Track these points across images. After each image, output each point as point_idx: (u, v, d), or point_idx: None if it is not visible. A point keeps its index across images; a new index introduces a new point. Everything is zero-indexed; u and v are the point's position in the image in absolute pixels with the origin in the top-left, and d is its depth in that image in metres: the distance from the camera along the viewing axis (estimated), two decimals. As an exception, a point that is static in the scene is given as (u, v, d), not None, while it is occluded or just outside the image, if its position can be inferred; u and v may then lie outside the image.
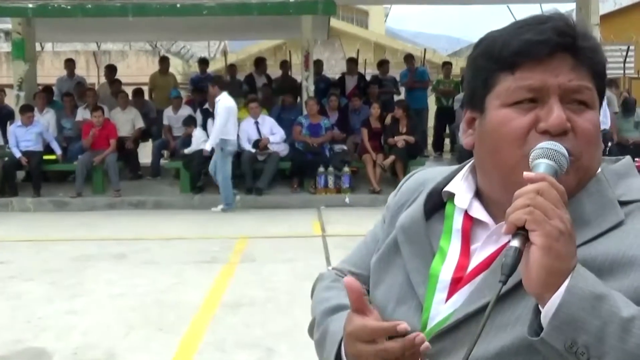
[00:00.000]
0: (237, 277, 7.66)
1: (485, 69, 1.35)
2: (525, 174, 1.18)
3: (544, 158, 1.22)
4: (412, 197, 1.54)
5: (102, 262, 8.40)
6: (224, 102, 11.93)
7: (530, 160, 1.24)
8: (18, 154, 13.10)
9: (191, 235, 10.00)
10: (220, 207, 12.22)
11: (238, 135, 13.05)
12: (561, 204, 1.14)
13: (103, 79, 18.19)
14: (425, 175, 1.59)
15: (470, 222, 1.40)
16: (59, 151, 13.50)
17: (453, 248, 1.40)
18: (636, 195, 1.30)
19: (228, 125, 12.01)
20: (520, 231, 1.13)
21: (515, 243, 1.14)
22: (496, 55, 1.32)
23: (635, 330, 1.08)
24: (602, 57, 1.34)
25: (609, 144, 14.54)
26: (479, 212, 1.39)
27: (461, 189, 1.43)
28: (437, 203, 1.48)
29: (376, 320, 1.33)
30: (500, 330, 1.25)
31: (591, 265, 1.19)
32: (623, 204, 1.29)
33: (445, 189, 1.46)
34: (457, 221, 1.42)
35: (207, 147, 12.24)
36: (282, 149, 13.50)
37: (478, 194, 1.42)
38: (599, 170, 1.35)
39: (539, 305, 1.14)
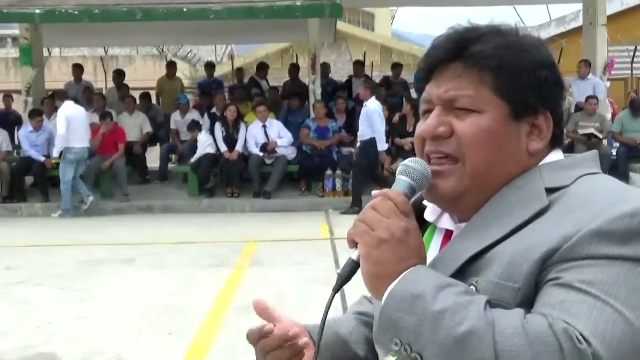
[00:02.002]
0: (246, 281, 7.65)
1: None
2: (373, 192, 1.32)
3: (401, 174, 1.33)
4: None
5: (111, 266, 8.41)
6: (63, 111, 12.25)
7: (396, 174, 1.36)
8: (41, 158, 13.18)
9: (200, 239, 10.01)
10: (58, 213, 12.40)
11: (246, 141, 13.08)
12: (394, 213, 1.24)
13: (110, 84, 18.24)
14: None
15: (450, 233, 1.42)
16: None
17: (430, 255, 1.39)
18: (564, 181, 1.29)
19: (71, 133, 12.23)
20: (356, 244, 1.26)
21: (354, 255, 1.28)
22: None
23: (445, 322, 1.12)
24: (504, 58, 1.33)
25: (610, 140, 14.49)
26: (446, 222, 1.43)
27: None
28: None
29: (283, 328, 1.52)
30: None
31: (500, 259, 1.22)
32: (550, 191, 1.28)
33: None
34: (438, 238, 1.44)
35: (55, 153, 12.45)
36: (290, 152, 13.51)
37: None
38: (539, 164, 1.35)
39: None
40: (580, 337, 1.07)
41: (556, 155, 1.38)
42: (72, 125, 12.22)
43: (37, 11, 13.20)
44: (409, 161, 1.34)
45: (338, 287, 1.28)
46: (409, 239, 1.23)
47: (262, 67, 17.18)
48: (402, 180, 1.33)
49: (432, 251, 1.40)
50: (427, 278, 1.19)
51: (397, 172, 1.35)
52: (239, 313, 6.35)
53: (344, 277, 1.27)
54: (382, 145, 12.17)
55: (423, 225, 1.45)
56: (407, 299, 1.16)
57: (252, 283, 7.50)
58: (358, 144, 12.39)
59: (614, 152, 14.24)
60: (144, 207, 12.94)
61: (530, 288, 1.18)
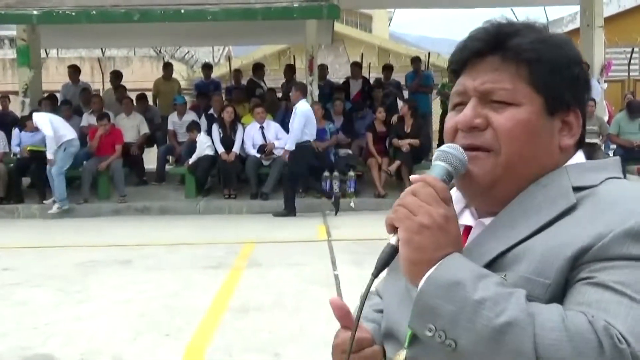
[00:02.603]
0: (243, 282, 7.66)
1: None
2: (411, 177, 1.32)
3: (438, 160, 1.34)
4: None
5: (108, 267, 8.40)
6: (41, 117, 12.59)
7: (432, 161, 1.36)
8: (17, 149, 13.45)
9: (197, 241, 10.01)
10: (55, 206, 12.59)
11: (244, 142, 13.10)
12: (435, 200, 1.24)
13: (108, 85, 18.21)
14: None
15: (469, 229, 1.44)
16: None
17: None
18: (591, 181, 1.31)
19: (60, 130, 12.67)
20: (396, 229, 1.26)
21: (392, 240, 1.27)
22: (447, 69, 1.48)
23: (485, 312, 1.13)
24: (541, 53, 1.35)
25: (607, 142, 14.50)
26: (467, 219, 1.45)
27: (454, 198, 1.45)
28: None
29: (363, 334, 1.45)
30: None
31: (531, 256, 1.23)
32: (577, 189, 1.30)
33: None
34: None
35: (50, 155, 12.59)
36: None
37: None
38: (566, 164, 1.37)
39: None
40: (620, 337, 1.08)
41: (580, 156, 1.41)
42: (55, 124, 12.53)
43: (35, 12, 13.19)
44: (445, 147, 1.36)
45: (377, 271, 1.28)
46: (449, 226, 1.24)
47: (259, 68, 17.18)
48: (439, 166, 1.33)
49: None
50: (466, 267, 1.20)
51: (433, 158, 1.36)
52: (237, 314, 6.36)
53: (383, 262, 1.28)
54: (291, 145, 12.08)
55: None
56: (445, 285, 1.17)
57: (249, 284, 7.50)
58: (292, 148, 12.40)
59: (611, 153, 14.25)
60: (141, 208, 12.93)
61: (560, 285, 1.19)
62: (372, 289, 1.74)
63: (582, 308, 1.13)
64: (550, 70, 1.35)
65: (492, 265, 1.26)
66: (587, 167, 1.37)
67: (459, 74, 1.42)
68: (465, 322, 1.14)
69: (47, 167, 12.59)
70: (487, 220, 1.39)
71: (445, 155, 1.33)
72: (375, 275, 1.27)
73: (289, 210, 12.10)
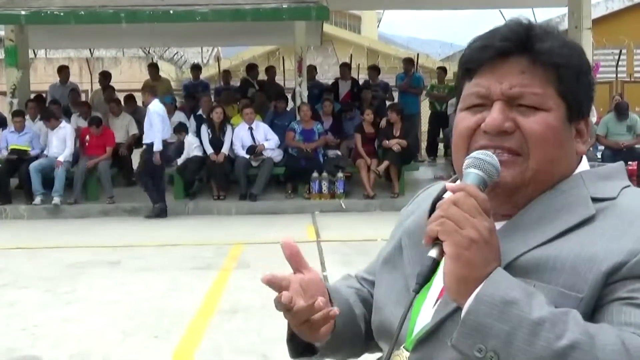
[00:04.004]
0: (232, 283, 7.65)
1: (458, 77, 1.44)
2: (447, 185, 1.26)
3: (472, 168, 1.27)
4: (420, 206, 1.59)
5: (97, 269, 8.38)
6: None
7: (463, 168, 1.29)
8: (4, 152, 13.35)
9: (185, 242, 9.99)
10: (58, 199, 12.71)
11: (233, 143, 13.13)
12: (478, 212, 1.18)
13: (96, 86, 18.16)
14: (438, 187, 1.63)
15: None
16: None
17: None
18: (610, 193, 1.31)
19: None
20: (437, 242, 1.19)
21: (433, 253, 1.19)
22: (459, 64, 1.41)
23: (544, 333, 1.10)
24: (567, 58, 1.34)
25: (595, 144, 14.55)
26: None
27: None
28: None
29: (314, 277, 1.43)
30: None
31: (553, 262, 1.22)
32: (596, 200, 1.30)
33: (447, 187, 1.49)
34: None
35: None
36: (276, 155, 13.51)
37: None
38: (579, 171, 1.37)
39: None
40: None
41: (586, 162, 1.41)
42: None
43: (23, 13, 13.14)
44: (478, 153, 1.30)
45: (420, 287, 1.21)
46: (492, 240, 1.19)
47: (252, 68, 17.16)
48: (473, 174, 1.27)
49: None
50: (515, 283, 1.16)
51: (465, 165, 1.30)
52: (225, 316, 6.35)
53: (426, 276, 1.20)
54: (158, 146, 12.18)
55: None
56: (498, 304, 1.13)
57: (238, 286, 7.49)
58: (144, 148, 12.58)
59: (599, 155, 14.31)
60: (130, 209, 12.90)
61: (593, 299, 1.18)
62: (353, 273, 1.75)
63: (632, 329, 1.12)
64: (575, 77, 1.35)
65: (507, 268, 1.23)
66: (600, 174, 1.37)
67: (472, 73, 1.37)
68: (521, 343, 1.10)
69: (32, 165, 12.70)
70: (497, 225, 1.34)
71: (479, 163, 1.28)
72: (417, 291, 1.21)
73: (161, 208, 12.34)
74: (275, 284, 1.40)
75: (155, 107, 12.23)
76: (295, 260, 1.44)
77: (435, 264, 1.19)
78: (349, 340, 1.54)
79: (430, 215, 1.47)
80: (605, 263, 1.18)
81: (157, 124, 12.07)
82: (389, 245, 1.59)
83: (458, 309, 1.25)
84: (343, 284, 1.67)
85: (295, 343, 1.50)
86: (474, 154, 1.30)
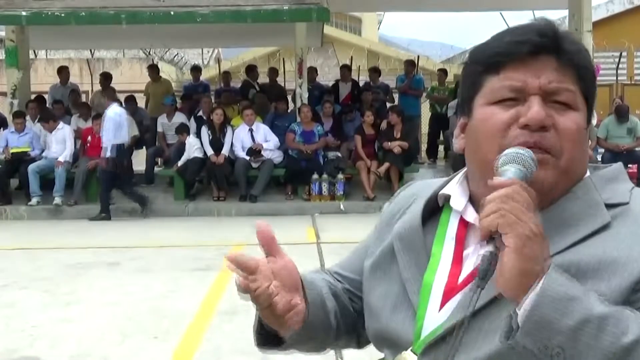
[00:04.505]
0: (232, 285, 7.58)
1: (473, 73, 1.39)
2: (496, 178, 1.21)
3: (513, 163, 1.24)
4: (405, 205, 1.56)
5: (96, 269, 8.38)
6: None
7: (497, 166, 1.25)
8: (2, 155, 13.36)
9: (185, 243, 9.99)
10: (60, 200, 12.83)
11: (233, 144, 13.14)
12: (532, 207, 1.16)
13: (97, 86, 18.16)
14: (421, 185, 1.61)
15: (465, 228, 1.41)
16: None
17: (445, 255, 1.40)
18: (622, 198, 1.31)
19: None
20: (495, 235, 1.15)
21: (490, 248, 1.16)
22: (481, 58, 1.36)
23: (610, 328, 1.10)
24: (587, 61, 1.35)
25: (599, 149, 14.57)
26: (472, 216, 1.40)
27: (456, 192, 1.44)
28: (433, 209, 1.48)
29: (288, 265, 1.42)
30: (489, 336, 1.26)
31: (576, 268, 1.21)
32: (610, 206, 1.30)
33: (442, 191, 1.47)
34: (452, 226, 1.42)
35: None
36: (276, 156, 13.51)
37: (472, 200, 1.42)
38: (587, 175, 1.36)
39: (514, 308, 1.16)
40: None
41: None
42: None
43: (24, 13, 13.15)
44: (516, 149, 1.26)
45: (484, 284, 1.17)
46: (544, 235, 1.17)
47: (252, 70, 17.17)
48: (515, 169, 1.23)
49: (449, 240, 1.41)
50: (570, 279, 1.15)
51: (501, 161, 1.25)
52: (225, 317, 6.34)
53: (487, 272, 1.16)
54: (106, 151, 12.35)
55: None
56: (562, 299, 1.12)
57: (238, 287, 7.47)
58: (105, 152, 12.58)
59: (599, 157, 14.31)
60: (130, 210, 12.90)
61: (617, 304, 1.18)
62: (332, 268, 1.72)
63: None
64: (592, 81, 1.35)
65: None
66: (606, 177, 1.37)
67: (500, 67, 1.33)
68: (587, 339, 1.10)
69: (30, 167, 12.71)
70: None
71: (520, 158, 1.24)
72: (482, 287, 1.17)
73: (104, 212, 12.36)
74: (240, 264, 1.37)
75: (110, 112, 12.31)
76: (269, 245, 1.42)
77: (495, 258, 1.16)
78: (319, 333, 1.51)
79: (422, 218, 1.47)
80: (628, 269, 1.19)
81: (109, 129, 12.17)
82: (375, 247, 1.56)
83: (473, 315, 1.24)
84: (316, 276, 1.64)
85: (264, 332, 1.48)
86: (512, 149, 1.26)
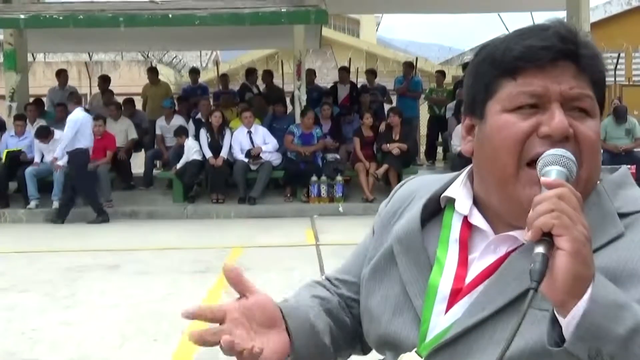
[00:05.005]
0: (231, 287, 7.63)
1: (487, 74, 1.34)
2: (543, 179, 1.16)
3: (555, 165, 1.19)
4: (403, 205, 1.54)
5: (96, 272, 8.37)
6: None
7: (539, 167, 1.22)
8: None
9: (185, 245, 9.99)
10: (58, 203, 12.65)
11: (232, 147, 13.14)
12: (581, 209, 1.11)
13: (95, 90, 18.16)
14: (418, 183, 1.59)
15: (469, 231, 1.39)
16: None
17: (450, 258, 1.38)
18: (634, 207, 1.30)
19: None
20: (545, 237, 1.10)
21: (541, 249, 1.10)
22: (498, 61, 1.31)
23: None
24: (603, 67, 1.33)
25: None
26: (478, 219, 1.37)
27: (461, 194, 1.42)
28: (433, 210, 1.47)
29: (260, 300, 1.42)
30: (500, 344, 1.20)
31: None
32: (622, 215, 1.28)
33: (445, 194, 1.45)
34: (456, 229, 1.40)
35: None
36: (275, 158, 13.52)
37: (476, 202, 1.40)
38: (599, 182, 1.34)
39: (558, 314, 1.12)
40: None
41: None
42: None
43: (22, 16, 13.16)
44: (555, 150, 1.22)
45: (538, 285, 1.09)
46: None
47: (251, 73, 17.19)
48: (557, 170, 1.18)
49: (453, 243, 1.39)
50: (613, 286, 1.12)
51: (541, 163, 1.21)
52: (225, 319, 6.33)
53: (541, 274, 1.08)
54: (59, 154, 12.39)
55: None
56: (612, 307, 1.08)
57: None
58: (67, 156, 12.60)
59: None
60: (129, 213, 12.90)
61: None
62: (331, 274, 1.70)
63: None
64: (604, 84, 1.34)
65: None
66: (615, 182, 1.35)
67: (518, 72, 1.29)
68: (637, 348, 1.07)
69: (27, 170, 12.71)
70: (516, 233, 1.31)
71: (561, 160, 1.20)
72: (536, 289, 1.09)
73: (101, 215, 12.34)
74: (204, 316, 1.37)
75: (72, 116, 12.29)
76: (239, 285, 1.41)
77: (546, 260, 1.09)
78: (314, 358, 1.48)
79: (421, 220, 1.44)
80: None
81: (66, 133, 12.16)
82: (374, 250, 1.54)
83: (484, 321, 1.24)
84: (306, 294, 1.60)
85: None
86: (551, 151, 1.21)
